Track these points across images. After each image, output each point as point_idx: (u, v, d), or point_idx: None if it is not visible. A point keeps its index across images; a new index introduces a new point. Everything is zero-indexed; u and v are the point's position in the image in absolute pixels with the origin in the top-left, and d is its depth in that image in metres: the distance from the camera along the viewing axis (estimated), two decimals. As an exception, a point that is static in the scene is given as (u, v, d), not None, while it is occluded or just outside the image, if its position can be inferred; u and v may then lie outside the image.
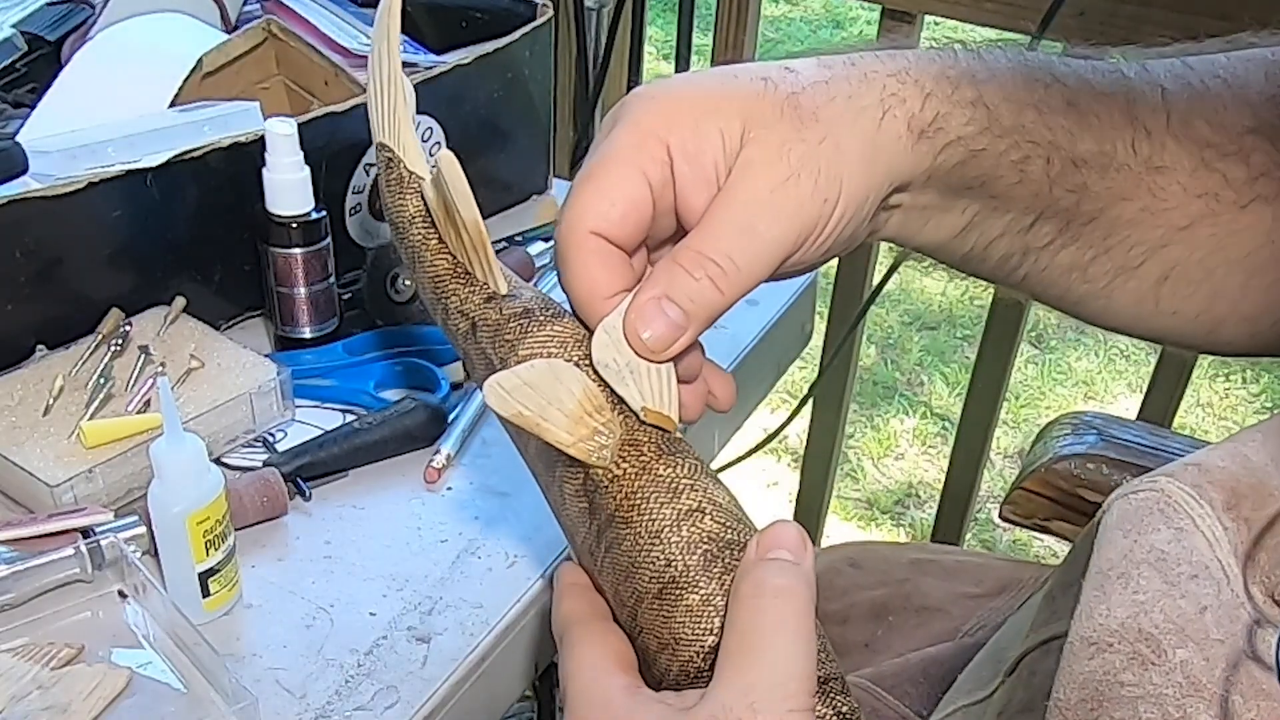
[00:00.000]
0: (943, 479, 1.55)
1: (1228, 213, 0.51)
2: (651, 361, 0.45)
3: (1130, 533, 0.43)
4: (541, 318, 0.49)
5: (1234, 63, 0.53)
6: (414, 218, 0.53)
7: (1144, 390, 1.37)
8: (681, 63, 1.40)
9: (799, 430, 1.73)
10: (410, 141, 0.54)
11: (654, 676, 0.44)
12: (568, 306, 0.49)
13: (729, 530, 0.44)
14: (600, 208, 0.45)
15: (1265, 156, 0.51)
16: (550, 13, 1.00)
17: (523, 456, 0.53)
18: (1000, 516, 0.89)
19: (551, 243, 0.99)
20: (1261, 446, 0.45)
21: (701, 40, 1.44)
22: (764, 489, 2.10)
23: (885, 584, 0.78)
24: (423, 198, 0.53)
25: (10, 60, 0.94)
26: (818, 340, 1.53)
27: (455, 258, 0.52)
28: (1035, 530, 0.88)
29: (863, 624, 0.76)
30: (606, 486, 0.45)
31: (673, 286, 0.44)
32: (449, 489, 0.76)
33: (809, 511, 1.65)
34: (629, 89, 1.46)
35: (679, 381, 0.47)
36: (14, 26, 0.96)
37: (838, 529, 2.04)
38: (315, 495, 0.74)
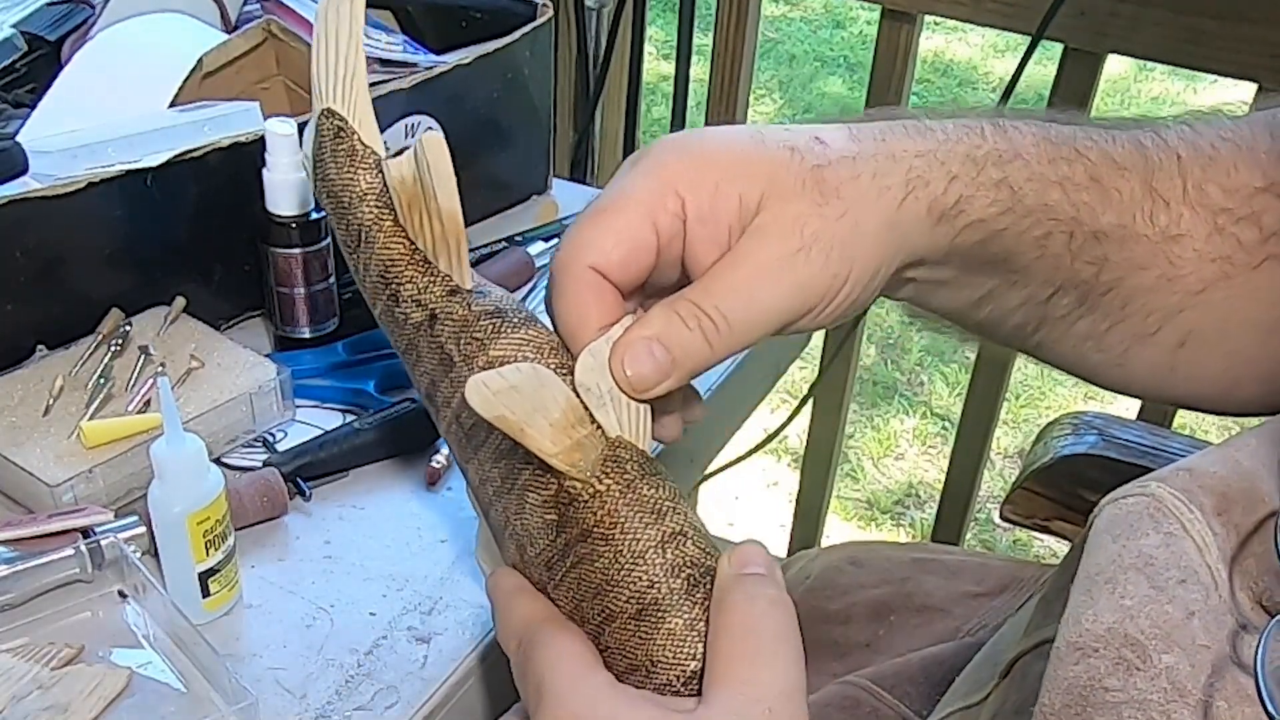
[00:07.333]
0: (943, 479, 1.55)
1: (1241, 275, 0.52)
2: (630, 398, 0.45)
3: (1119, 538, 0.43)
4: (515, 319, 0.47)
5: (1239, 125, 0.54)
6: (365, 194, 0.50)
7: (1144, 390, 1.37)
8: (682, 63, 1.40)
9: (799, 430, 1.73)
10: (367, 113, 0.51)
11: None
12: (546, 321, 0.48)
13: (709, 557, 0.44)
14: (604, 245, 0.45)
15: (1276, 216, 0.51)
16: (550, 13, 1.00)
17: (460, 458, 0.51)
18: (1001, 516, 0.89)
19: (552, 242, 1.00)
20: (1254, 451, 0.45)
21: (701, 40, 1.44)
22: (764, 489, 2.10)
23: (887, 583, 0.78)
24: (379, 174, 0.50)
25: (10, 60, 0.94)
26: (818, 340, 1.53)
27: (412, 242, 0.49)
28: (1036, 530, 0.88)
29: (864, 623, 0.75)
30: (586, 501, 0.44)
31: (666, 331, 0.44)
32: (449, 489, 0.76)
33: (809, 511, 1.65)
34: (629, 89, 1.46)
35: (665, 412, 0.48)
36: (14, 26, 0.96)
37: (838, 529, 2.04)
38: (315, 495, 0.74)
